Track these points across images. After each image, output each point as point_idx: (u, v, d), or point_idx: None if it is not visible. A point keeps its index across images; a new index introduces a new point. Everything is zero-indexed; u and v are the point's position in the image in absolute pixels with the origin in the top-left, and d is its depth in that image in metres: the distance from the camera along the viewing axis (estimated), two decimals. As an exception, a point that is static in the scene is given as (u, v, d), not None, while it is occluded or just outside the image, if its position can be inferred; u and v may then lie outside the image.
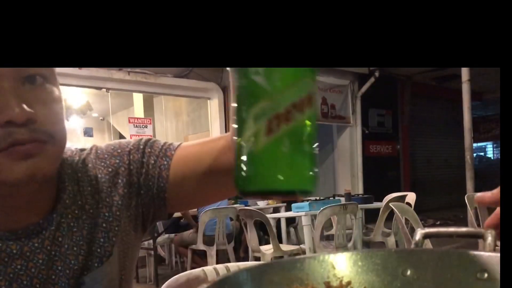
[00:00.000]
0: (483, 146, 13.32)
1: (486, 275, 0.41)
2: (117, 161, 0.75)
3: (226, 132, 8.20)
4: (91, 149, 0.77)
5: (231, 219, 4.84)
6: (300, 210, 4.51)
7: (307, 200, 4.91)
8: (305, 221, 4.34)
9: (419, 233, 0.52)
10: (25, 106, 0.57)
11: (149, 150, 0.75)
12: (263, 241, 5.08)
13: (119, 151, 0.76)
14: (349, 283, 0.46)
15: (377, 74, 7.59)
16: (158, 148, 0.75)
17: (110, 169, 0.74)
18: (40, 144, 0.60)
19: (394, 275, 0.46)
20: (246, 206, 5.34)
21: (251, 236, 4.13)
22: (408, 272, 0.45)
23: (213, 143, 0.72)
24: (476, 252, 0.43)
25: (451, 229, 0.50)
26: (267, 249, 4.14)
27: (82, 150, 0.78)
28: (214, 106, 7.78)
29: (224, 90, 7.74)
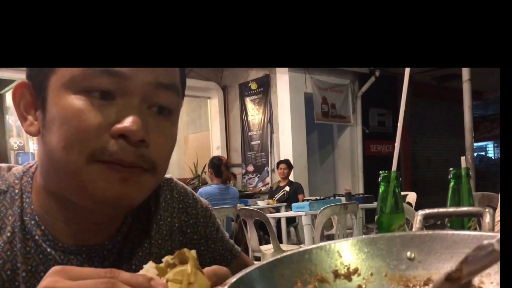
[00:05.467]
0: (484, 146, 13.31)
1: None
2: (186, 219, 0.79)
3: (226, 131, 8.06)
4: (170, 183, 0.80)
5: (232, 219, 4.84)
6: (300, 210, 4.51)
7: (308, 200, 4.91)
8: (305, 220, 4.34)
9: (420, 214, 0.53)
10: (143, 128, 0.57)
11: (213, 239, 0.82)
12: (263, 241, 5.07)
13: (192, 211, 0.80)
14: (356, 269, 0.47)
15: (377, 73, 7.58)
16: (222, 246, 0.83)
17: (177, 223, 0.78)
18: (140, 171, 0.59)
19: (399, 259, 0.47)
20: (246, 205, 5.34)
21: (251, 236, 4.13)
22: (413, 255, 0.46)
23: None
24: (476, 233, 0.44)
25: (451, 210, 0.50)
26: (267, 249, 4.14)
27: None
28: (214, 105, 7.78)
29: (224, 89, 7.74)
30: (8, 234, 0.63)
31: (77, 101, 0.57)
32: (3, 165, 0.70)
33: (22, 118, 0.64)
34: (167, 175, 0.80)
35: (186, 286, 0.43)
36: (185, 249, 0.46)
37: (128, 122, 0.56)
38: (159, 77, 0.60)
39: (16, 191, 0.66)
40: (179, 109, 0.66)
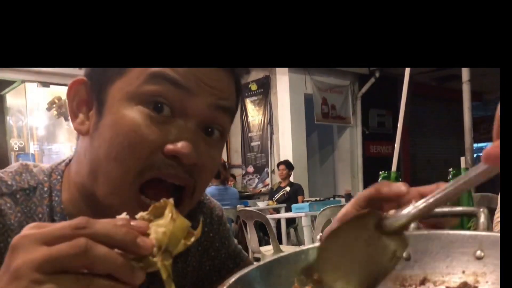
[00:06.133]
0: (484, 147, 13.33)
1: (483, 254, 0.42)
2: (202, 218, 0.80)
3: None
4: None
5: (232, 220, 4.84)
6: (300, 211, 4.51)
7: (307, 201, 4.91)
8: (305, 222, 4.34)
9: None
10: (195, 151, 0.58)
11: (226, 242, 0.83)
12: (263, 242, 5.07)
13: (207, 210, 0.81)
14: None
15: (377, 74, 7.59)
16: (232, 247, 0.84)
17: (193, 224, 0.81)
18: (180, 199, 0.60)
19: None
20: (246, 206, 5.34)
21: (251, 237, 4.13)
22: (408, 255, 0.47)
23: None
24: (471, 232, 0.44)
25: (446, 209, 0.50)
26: (267, 250, 4.14)
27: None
28: (214, 106, 7.77)
29: (224, 90, 7.74)
30: None
31: (137, 114, 0.57)
32: (29, 163, 0.68)
33: (73, 115, 0.63)
34: None
35: (170, 227, 0.42)
36: (162, 200, 0.45)
37: (182, 144, 0.57)
38: (219, 100, 0.61)
39: (45, 188, 0.64)
40: (228, 132, 0.66)
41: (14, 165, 0.67)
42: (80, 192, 0.64)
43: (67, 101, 0.64)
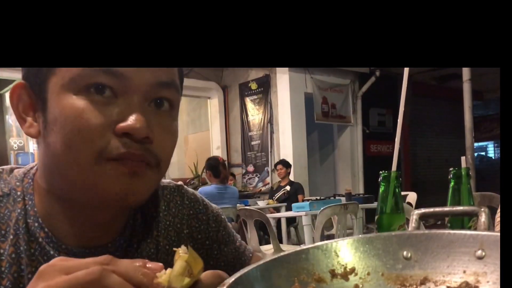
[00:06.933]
0: (484, 146, 13.33)
1: (484, 253, 0.42)
2: (197, 225, 0.80)
3: (226, 131, 8.02)
4: (180, 189, 0.80)
5: (232, 219, 4.84)
6: (300, 210, 4.51)
7: (308, 200, 4.91)
8: (305, 221, 4.34)
9: (416, 214, 0.53)
10: (146, 125, 0.58)
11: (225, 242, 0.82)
12: (263, 241, 5.07)
13: (203, 217, 0.80)
14: (353, 269, 0.47)
15: (377, 73, 7.58)
16: (237, 247, 0.84)
17: (187, 229, 0.79)
18: (146, 167, 0.60)
19: (396, 258, 0.47)
20: (246, 206, 5.34)
21: (251, 236, 4.13)
22: (409, 255, 0.47)
23: None
24: (471, 232, 0.44)
25: (446, 209, 0.50)
26: (268, 249, 4.14)
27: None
28: (214, 105, 7.78)
29: (224, 89, 7.74)
30: (11, 237, 0.63)
31: (78, 102, 0.57)
32: (6, 167, 0.69)
33: (21, 120, 0.63)
34: (178, 183, 0.82)
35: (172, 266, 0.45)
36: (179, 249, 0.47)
37: (131, 120, 0.57)
38: (159, 76, 0.60)
39: (19, 193, 0.65)
40: (179, 105, 0.66)
41: None
42: (49, 194, 0.64)
43: (12, 108, 0.64)
